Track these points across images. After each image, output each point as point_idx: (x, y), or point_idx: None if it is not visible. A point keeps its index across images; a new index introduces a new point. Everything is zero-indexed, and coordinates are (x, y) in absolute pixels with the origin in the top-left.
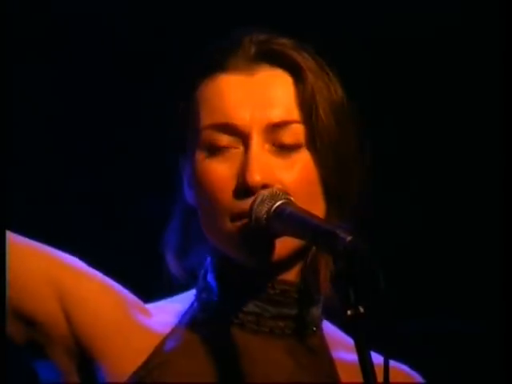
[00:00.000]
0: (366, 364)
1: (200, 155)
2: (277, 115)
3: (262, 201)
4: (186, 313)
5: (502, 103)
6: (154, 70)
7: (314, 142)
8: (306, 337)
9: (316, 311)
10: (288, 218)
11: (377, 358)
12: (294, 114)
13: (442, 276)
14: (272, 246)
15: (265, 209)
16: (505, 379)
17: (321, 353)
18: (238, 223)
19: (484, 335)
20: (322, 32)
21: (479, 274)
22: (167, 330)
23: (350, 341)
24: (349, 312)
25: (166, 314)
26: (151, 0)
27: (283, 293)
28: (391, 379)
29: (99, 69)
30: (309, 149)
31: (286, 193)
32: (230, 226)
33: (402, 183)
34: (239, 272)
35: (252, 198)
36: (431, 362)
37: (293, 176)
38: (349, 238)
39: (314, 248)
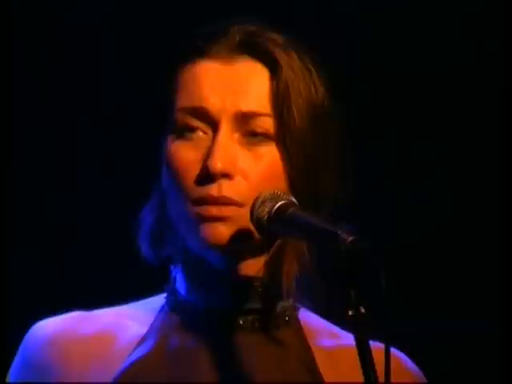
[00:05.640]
0: (367, 364)
1: (171, 137)
2: (248, 105)
3: (263, 202)
4: (156, 319)
5: (504, 111)
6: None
7: (283, 137)
8: (276, 329)
9: (287, 302)
10: (289, 219)
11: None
12: (266, 107)
13: (443, 275)
14: (231, 236)
15: (266, 209)
16: (506, 379)
17: (295, 343)
18: (198, 207)
19: (485, 335)
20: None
21: (480, 273)
22: (134, 343)
23: (331, 327)
24: (350, 312)
25: (134, 322)
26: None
27: (248, 287)
28: (379, 362)
29: (100, 75)
30: (278, 144)
31: (287, 193)
32: (190, 209)
33: (402, 183)
34: (204, 269)
35: (212, 185)
36: (432, 361)
37: (257, 169)
38: (350, 239)
39: (278, 241)
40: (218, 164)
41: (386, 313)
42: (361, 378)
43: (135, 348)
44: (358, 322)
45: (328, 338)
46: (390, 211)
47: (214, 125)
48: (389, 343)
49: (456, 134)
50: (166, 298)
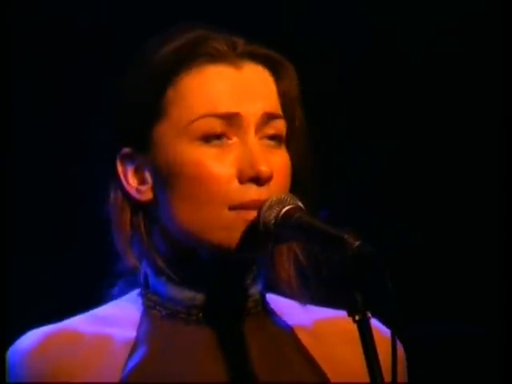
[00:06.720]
0: (373, 367)
1: (187, 144)
2: (270, 107)
3: (270, 206)
4: (141, 322)
5: (503, 112)
6: None
7: (293, 138)
8: (258, 316)
9: (260, 287)
10: (295, 224)
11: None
12: (279, 109)
13: (443, 279)
14: (263, 244)
15: (273, 214)
16: (505, 382)
17: (277, 327)
18: (237, 212)
19: (485, 338)
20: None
21: (480, 277)
22: (127, 349)
23: (299, 306)
24: (357, 317)
25: (119, 327)
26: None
27: (233, 283)
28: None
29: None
30: (287, 144)
31: (293, 198)
32: (227, 214)
33: (404, 189)
34: (190, 268)
35: (254, 190)
36: (432, 364)
37: (280, 170)
38: (356, 243)
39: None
40: (264, 168)
41: (393, 314)
42: (344, 349)
43: (130, 354)
44: (365, 326)
45: (302, 315)
46: (389, 213)
47: (239, 129)
48: (395, 346)
49: (453, 136)
50: (144, 301)
